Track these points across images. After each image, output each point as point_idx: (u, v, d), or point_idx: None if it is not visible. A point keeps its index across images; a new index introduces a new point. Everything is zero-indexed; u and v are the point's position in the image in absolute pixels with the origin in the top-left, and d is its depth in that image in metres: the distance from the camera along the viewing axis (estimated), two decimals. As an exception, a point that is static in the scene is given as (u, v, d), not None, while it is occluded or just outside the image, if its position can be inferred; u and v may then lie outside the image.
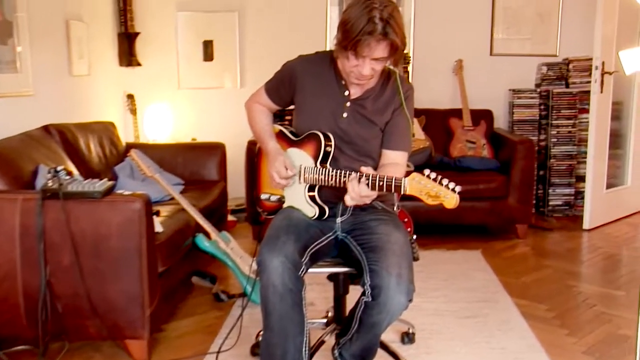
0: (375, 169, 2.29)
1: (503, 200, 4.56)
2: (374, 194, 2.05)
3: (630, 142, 5.34)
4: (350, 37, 2.04)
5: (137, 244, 2.58)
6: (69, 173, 2.68)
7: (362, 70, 2.13)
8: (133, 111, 5.10)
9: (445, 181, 1.92)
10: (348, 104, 2.30)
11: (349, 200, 2.07)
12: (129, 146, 4.23)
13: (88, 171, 3.54)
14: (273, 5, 5.32)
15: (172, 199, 3.51)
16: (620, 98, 5.26)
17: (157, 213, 3.24)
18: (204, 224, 3.39)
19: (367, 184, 2.02)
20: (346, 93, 2.30)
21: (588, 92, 4.95)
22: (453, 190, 1.91)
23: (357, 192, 2.03)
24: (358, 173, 2.05)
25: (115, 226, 2.56)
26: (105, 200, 2.57)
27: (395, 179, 1.98)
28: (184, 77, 5.34)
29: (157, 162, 4.04)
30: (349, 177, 2.08)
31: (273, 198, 2.39)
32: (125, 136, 4.90)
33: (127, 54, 5.16)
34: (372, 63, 2.11)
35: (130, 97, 5.14)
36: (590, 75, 4.95)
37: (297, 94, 2.36)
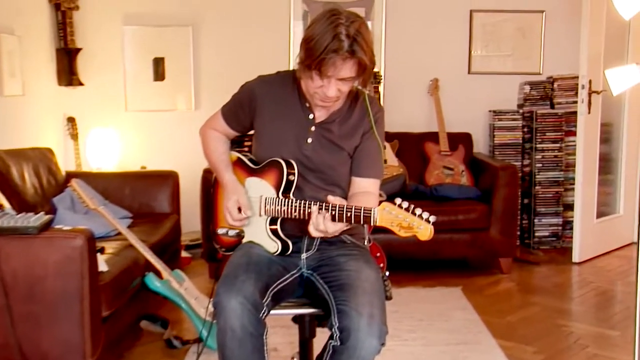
0: (344, 198, 2.32)
1: (484, 231, 4.61)
2: (342, 226, 2.08)
3: (622, 166, 5.45)
4: (314, 56, 2.06)
5: (78, 285, 2.55)
6: None
7: (327, 91, 2.16)
8: (74, 136, 5.07)
9: (418, 211, 1.95)
10: (313, 128, 2.33)
11: (314, 231, 2.10)
12: (70, 175, 4.19)
13: (22, 203, 3.50)
14: (231, 20, 5.36)
15: (119, 234, 3.49)
16: (610, 119, 5.38)
17: (102, 250, 3.22)
18: (155, 261, 3.36)
19: (334, 216, 2.05)
20: (310, 116, 2.33)
21: (575, 112, 5.04)
22: (427, 220, 1.94)
23: (323, 229, 2.06)
24: (324, 204, 2.07)
25: (52, 265, 2.53)
26: (42, 237, 2.55)
27: (364, 209, 2.01)
28: (132, 98, 5.33)
29: (101, 193, 4.01)
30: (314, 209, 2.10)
31: (231, 233, 2.39)
32: (65, 164, 4.85)
33: (67, 72, 5.13)
34: (338, 84, 2.14)
35: (70, 120, 5.11)
36: (576, 94, 5.06)
37: (256, 118, 2.38)
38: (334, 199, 2.08)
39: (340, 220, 2.05)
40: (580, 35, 4.79)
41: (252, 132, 2.47)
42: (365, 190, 2.33)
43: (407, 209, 1.95)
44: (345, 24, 2.05)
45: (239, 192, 2.34)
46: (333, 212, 2.05)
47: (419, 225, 1.94)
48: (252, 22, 5.36)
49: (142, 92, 5.33)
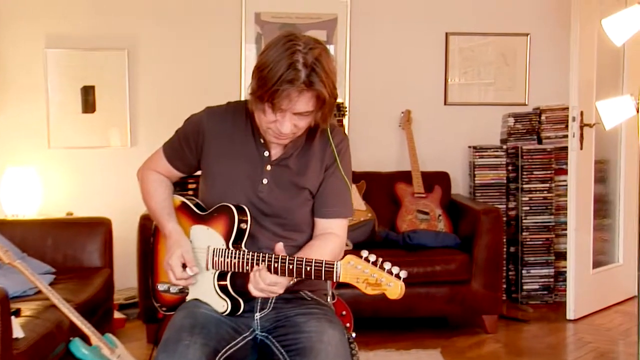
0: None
1: (465, 285, 4.64)
2: (283, 280, 2.11)
3: (620, 209, 5.52)
4: (267, 86, 2.09)
5: (-10, 354, 2.53)
6: None
7: (281, 127, 2.18)
8: (-14, 177, 5.03)
9: (387, 265, 1.97)
10: (268, 167, 2.36)
11: (254, 290, 2.13)
12: (-19, 224, 4.16)
13: None
14: (173, 42, 5.39)
15: (39, 292, 3.45)
16: (605, 155, 5.47)
17: (17, 312, 3.18)
18: (82, 324, 3.33)
19: (292, 271, 2.07)
20: (266, 154, 2.36)
21: (565, 148, 5.13)
22: (397, 276, 1.96)
23: (264, 286, 2.11)
24: (266, 256, 2.11)
25: (-41, 331, 2.50)
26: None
27: (325, 263, 2.03)
28: (57, 132, 5.30)
29: (18, 245, 3.98)
30: (265, 261, 2.13)
31: (173, 289, 2.39)
32: (-25, 211, 4.81)
33: (-21, 103, 5.12)
34: (294, 118, 2.18)
35: (-17, 159, 5.08)
36: (566, 128, 5.15)
37: (204, 156, 2.40)
38: (280, 248, 2.12)
39: (299, 275, 2.07)
40: (569, 61, 4.86)
41: (198, 172, 2.49)
42: (331, 232, 2.36)
43: (374, 263, 1.98)
44: (303, 51, 2.09)
45: (184, 246, 2.34)
46: (291, 266, 2.08)
47: (387, 282, 1.96)
48: (199, 45, 5.39)
49: (68, 126, 5.30)
